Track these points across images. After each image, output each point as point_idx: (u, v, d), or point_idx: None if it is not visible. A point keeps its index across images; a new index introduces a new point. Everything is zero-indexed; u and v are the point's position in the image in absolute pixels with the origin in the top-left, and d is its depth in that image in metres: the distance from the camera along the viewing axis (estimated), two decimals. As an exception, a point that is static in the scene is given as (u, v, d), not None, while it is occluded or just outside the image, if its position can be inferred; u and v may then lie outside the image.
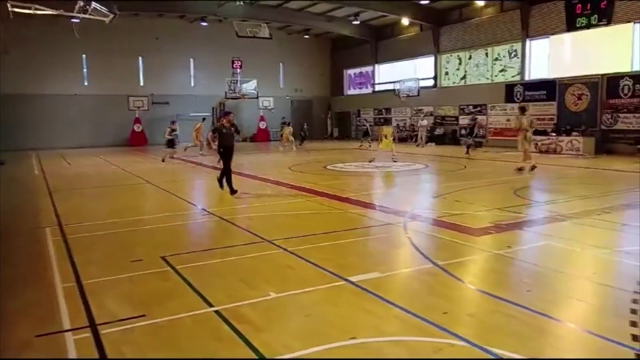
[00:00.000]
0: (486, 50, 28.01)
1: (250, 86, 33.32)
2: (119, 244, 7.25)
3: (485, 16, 27.80)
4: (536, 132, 19.56)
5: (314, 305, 4.66)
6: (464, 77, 29.72)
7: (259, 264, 6.03)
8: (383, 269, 5.69)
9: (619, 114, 21.48)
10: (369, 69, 37.17)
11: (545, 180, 13.62)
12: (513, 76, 26.59)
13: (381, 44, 35.47)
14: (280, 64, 38.10)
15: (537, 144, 21.33)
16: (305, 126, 32.05)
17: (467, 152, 21.09)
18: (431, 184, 14.32)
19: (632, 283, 5.06)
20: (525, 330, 4.03)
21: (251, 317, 4.36)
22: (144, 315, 4.41)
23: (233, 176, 11.33)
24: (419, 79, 31.45)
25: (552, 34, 24.26)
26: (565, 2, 20.45)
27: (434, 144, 28.90)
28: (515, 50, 26.33)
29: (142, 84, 33.79)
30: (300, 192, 11.73)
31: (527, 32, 25.43)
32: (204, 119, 27.42)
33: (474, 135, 22.80)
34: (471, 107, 28.58)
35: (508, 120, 26.28)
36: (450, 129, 30.06)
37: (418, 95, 31.08)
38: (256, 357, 3.64)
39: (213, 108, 32.35)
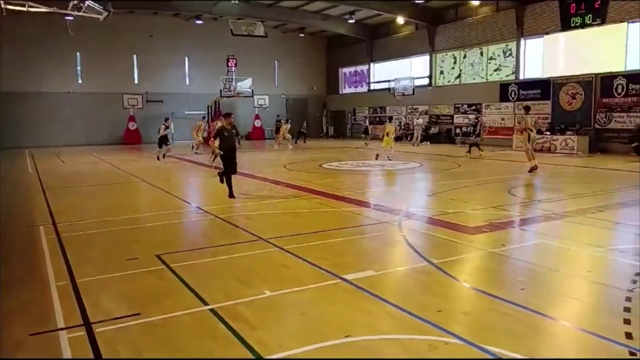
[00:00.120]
0: (481, 49, 28.08)
1: (245, 84, 33.24)
2: (114, 242, 7.22)
3: (480, 15, 27.87)
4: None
5: (309, 303, 4.66)
6: (458, 76, 29.78)
7: (254, 262, 6.02)
8: (378, 267, 5.69)
9: (613, 113, 21.60)
10: (364, 67, 37.18)
11: (539, 179, 13.67)
12: (507, 75, 26.67)
13: (376, 42, 35.49)
14: (276, 62, 38.04)
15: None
16: (305, 124, 32.10)
17: (469, 152, 20.72)
18: (426, 182, 14.35)
19: (626, 281, 5.09)
20: (519, 329, 4.04)
21: (246, 315, 4.35)
22: (138, 314, 4.40)
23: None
24: (414, 78, 31.55)
25: (547, 34, 24.34)
26: (560, 2, 20.52)
27: (428, 142, 28.95)
28: (510, 50, 26.42)
29: (136, 82, 33.63)
30: (295, 191, 11.72)
31: (521, 31, 25.52)
32: (203, 117, 27.39)
33: (476, 134, 22.74)
34: (466, 106, 28.67)
35: (503, 119, 26.43)
36: (445, 127, 30.13)
37: (413, 94, 31.15)
38: (252, 357, 3.64)
39: (208, 106, 32.26)
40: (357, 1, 28.70)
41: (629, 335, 3.84)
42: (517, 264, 5.95)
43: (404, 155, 21.14)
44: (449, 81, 30.39)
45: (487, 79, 27.88)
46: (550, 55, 24.68)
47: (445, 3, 28.79)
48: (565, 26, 21.70)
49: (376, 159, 18.90)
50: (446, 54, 30.34)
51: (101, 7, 18.69)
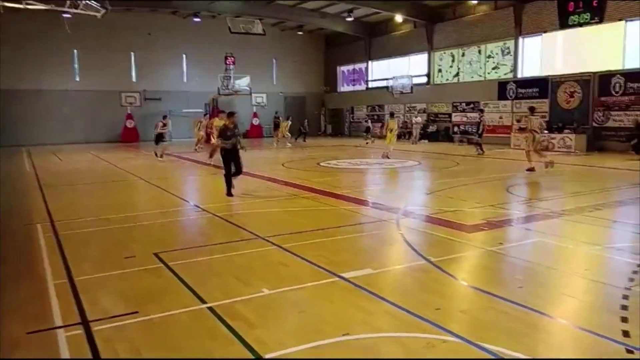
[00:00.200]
0: (479, 47, 28.06)
1: (243, 82, 33.18)
2: (112, 240, 7.21)
3: (479, 13, 27.84)
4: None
5: (308, 301, 4.66)
6: (457, 75, 29.76)
7: (252, 260, 6.02)
8: (376, 265, 5.70)
9: (611, 112, 21.62)
10: (362, 65, 37.12)
11: (537, 178, 13.69)
12: (506, 73, 26.66)
13: (375, 40, 35.45)
14: (274, 60, 37.99)
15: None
16: (306, 122, 32.05)
17: (482, 152, 20.20)
18: (424, 180, 14.37)
19: (623, 279, 5.10)
20: (517, 327, 4.05)
21: (245, 313, 4.35)
22: (136, 312, 4.39)
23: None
24: (412, 76, 31.48)
25: (545, 32, 24.33)
26: (558, 0, 20.55)
27: (426, 141, 28.94)
28: (508, 48, 26.40)
29: (134, 79, 33.54)
30: (294, 189, 11.72)
31: (520, 29, 25.50)
32: (205, 114, 27.32)
33: (479, 132, 22.61)
34: (464, 104, 28.67)
35: (501, 117, 26.44)
36: (444, 126, 30.13)
37: (411, 92, 31.09)
38: (251, 355, 3.64)
39: (206, 104, 32.21)
40: (355, -1, 28.73)
41: (626, 333, 3.85)
42: (515, 262, 5.95)
43: (403, 153, 21.13)
44: (447, 79, 30.37)
45: (485, 77, 27.88)
46: (548, 53, 24.68)
47: (444, 1, 28.77)
48: (564, 24, 21.77)
49: (388, 158, 18.43)
50: (444, 52, 30.32)
51: (99, 5, 18.60)
